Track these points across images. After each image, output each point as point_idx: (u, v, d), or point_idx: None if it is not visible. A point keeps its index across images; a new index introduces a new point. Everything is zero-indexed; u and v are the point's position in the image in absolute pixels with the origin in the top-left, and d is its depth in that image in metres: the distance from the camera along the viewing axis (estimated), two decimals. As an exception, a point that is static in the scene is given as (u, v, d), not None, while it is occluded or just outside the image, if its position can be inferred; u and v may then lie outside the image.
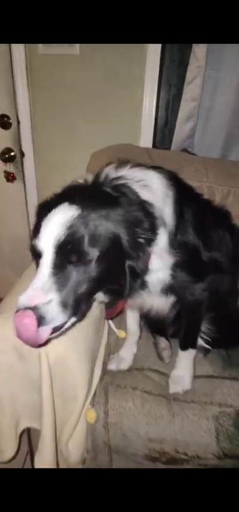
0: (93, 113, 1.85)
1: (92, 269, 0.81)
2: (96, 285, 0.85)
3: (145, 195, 0.90)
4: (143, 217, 0.86)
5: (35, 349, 0.99)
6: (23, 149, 1.99)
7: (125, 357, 1.32)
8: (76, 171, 1.63)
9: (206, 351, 1.30)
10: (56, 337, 0.85)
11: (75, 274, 0.80)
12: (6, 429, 1.11)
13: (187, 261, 1.01)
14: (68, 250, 0.78)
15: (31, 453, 1.48)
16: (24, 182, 2.08)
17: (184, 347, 1.21)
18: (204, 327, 1.21)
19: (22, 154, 2.01)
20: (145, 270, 0.91)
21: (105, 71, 1.73)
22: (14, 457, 1.16)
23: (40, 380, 1.03)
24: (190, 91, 1.58)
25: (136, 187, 0.90)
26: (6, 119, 1.88)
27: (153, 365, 1.30)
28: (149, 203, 0.89)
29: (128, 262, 0.87)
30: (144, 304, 1.16)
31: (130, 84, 1.73)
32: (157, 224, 0.89)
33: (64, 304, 0.79)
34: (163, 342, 1.36)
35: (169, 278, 1.01)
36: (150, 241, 0.89)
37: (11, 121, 1.90)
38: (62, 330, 0.83)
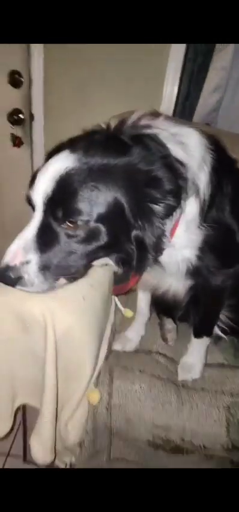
0: (112, 79, 1.72)
1: (83, 233, 0.71)
2: (90, 252, 0.74)
3: (177, 152, 0.75)
4: (163, 175, 0.70)
5: (41, 319, 0.92)
6: (33, 111, 1.87)
7: (132, 337, 1.25)
8: None
9: (217, 338, 1.23)
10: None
11: (63, 235, 0.72)
12: (2, 404, 1.05)
13: (218, 241, 0.88)
14: (55, 207, 0.70)
15: (24, 431, 1.42)
16: (31, 148, 1.97)
17: (198, 334, 1.13)
18: (222, 315, 1.13)
19: (31, 118, 1.89)
20: (157, 245, 0.77)
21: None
22: (8, 434, 1.10)
23: (44, 354, 0.95)
24: (220, 59, 1.46)
25: (168, 142, 0.75)
26: (17, 75, 1.76)
27: (161, 349, 1.23)
28: (182, 162, 0.75)
29: (134, 232, 0.73)
30: (160, 285, 1.08)
31: (153, 49, 1.60)
32: (184, 188, 0.75)
33: (45, 268, 0.73)
34: (169, 324, 1.29)
35: (195, 259, 0.90)
36: (171, 209, 0.74)
37: (22, 79, 1.77)
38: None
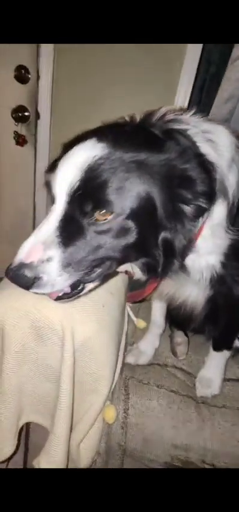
0: (123, 83, 1.68)
1: (113, 227, 0.64)
2: (118, 250, 0.66)
3: (207, 151, 0.70)
4: (197, 176, 0.65)
5: (59, 328, 0.83)
6: (39, 109, 1.80)
7: (146, 350, 1.18)
8: None
9: (237, 351, 1.17)
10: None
11: (90, 231, 0.64)
12: (6, 422, 0.93)
13: None
14: (83, 198, 0.62)
15: (26, 451, 1.31)
16: (35, 148, 1.89)
17: (218, 347, 1.07)
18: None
19: (37, 116, 1.82)
20: (187, 249, 0.72)
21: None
22: (12, 456, 1.00)
23: (58, 367, 0.86)
24: (235, 69, 1.45)
25: (198, 139, 0.70)
26: (23, 71, 1.68)
27: (177, 362, 1.16)
28: (211, 162, 0.69)
29: (163, 234, 0.68)
30: (178, 295, 1.01)
31: (166, 58, 1.57)
32: (215, 190, 0.69)
33: (68, 267, 0.64)
34: (179, 337, 1.23)
35: (219, 266, 0.84)
36: (201, 211, 0.69)
37: (29, 75, 1.70)
38: (75, 296, 0.71)
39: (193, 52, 1.60)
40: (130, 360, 1.15)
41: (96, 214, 0.63)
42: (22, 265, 0.62)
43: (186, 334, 1.23)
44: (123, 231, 0.65)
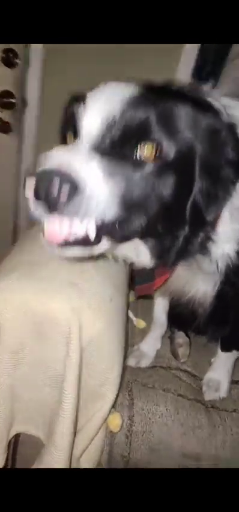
0: (116, 69, 1.61)
1: (154, 170, 0.55)
2: (152, 201, 0.57)
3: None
4: (232, 144, 0.61)
5: (65, 323, 0.73)
6: (27, 97, 1.68)
7: (147, 351, 1.10)
8: None
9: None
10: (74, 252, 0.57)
11: (128, 168, 0.54)
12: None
13: None
14: (125, 130, 0.54)
15: (13, 465, 1.16)
16: (21, 137, 1.75)
17: (227, 348, 1.02)
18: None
19: (24, 104, 1.69)
20: (213, 222, 0.66)
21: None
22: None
23: (60, 368, 0.76)
24: (232, 69, 1.44)
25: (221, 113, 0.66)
26: (11, 54, 1.56)
27: (181, 364, 1.09)
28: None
29: (196, 194, 0.61)
30: (187, 290, 0.95)
31: (163, 57, 1.52)
32: None
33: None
34: (180, 337, 1.16)
35: (235, 255, 0.77)
36: (229, 187, 0.63)
37: (17, 61, 1.58)
38: (86, 248, 0.56)
39: (189, 52, 1.57)
40: (131, 362, 1.06)
41: (139, 150, 0.55)
42: (55, 172, 0.49)
43: (187, 335, 1.17)
44: (164, 178, 0.57)
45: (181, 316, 1.08)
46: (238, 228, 0.74)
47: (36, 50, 1.60)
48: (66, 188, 0.48)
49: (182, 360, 1.11)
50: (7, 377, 0.77)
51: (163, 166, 0.56)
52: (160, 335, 1.13)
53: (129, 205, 0.55)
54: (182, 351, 1.12)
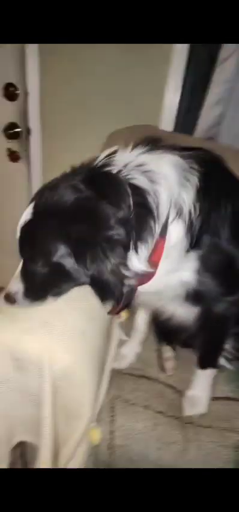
0: (109, 89, 1.66)
1: (44, 271, 0.79)
2: (54, 286, 0.84)
3: (139, 181, 0.73)
4: (104, 211, 0.70)
5: (37, 359, 0.85)
6: (30, 125, 1.81)
7: (127, 354, 1.20)
8: (89, 153, 1.46)
9: (223, 369, 1.16)
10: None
11: (33, 269, 0.81)
12: (-1, 445, 0.98)
13: (217, 267, 0.84)
14: (21, 250, 0.83)
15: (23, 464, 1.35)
16: (29, 162, 1.91)
17: (202, 366, 1.06)
18: (228, 344, 1.06)
19: (28, 132, 1.83)
20: (121, 279, 0.74)
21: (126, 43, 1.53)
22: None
23: (40, 395, 0.89)
24: (223, 71, 1.40)
25: (132, 174, 0.74)
26: (12, 88, 1.70)
27: (168, 378, 1.15)
28: (142, 189, 0.72)
29: (88, 273, 0.75)
30: (163, 310, 1.01)
31: (154, 59, 1.54)
32: (130, 216, 0.71)
33: (29, 294, 0.84)
34: (167, 351, 1.23)
35: (195, 282, 0.84)
36: (118, 242, 0.70)
37: (18, 92, 1.71)
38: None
39: (179, 54, 1.55)
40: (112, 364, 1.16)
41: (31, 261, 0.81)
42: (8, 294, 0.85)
43: (174, 349, 1.23)
44: (55, 275, 0.79)
45: (167, 330, 1.16)
46: (187, 262, 0.81)
47: (33, 79, 1.71)
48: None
49: (168, 374, 1.18)
50: (1, 404, 0.93)
51: (46, 269, 0.80)
52: (139, 340, 1.21)
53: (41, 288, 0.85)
54: (168, 365, 1.19)
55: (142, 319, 1.21)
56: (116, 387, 1.11)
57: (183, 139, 1.43)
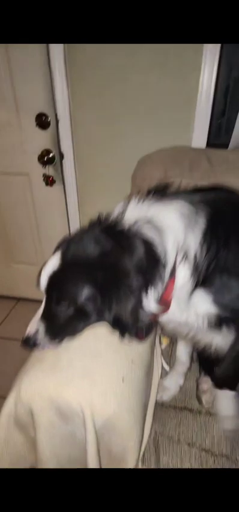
0: (138, 106, 1.62)
1: (72, 310, 0.84)
2: (71, 324, 0.88)
3: (150, 235, 0.80)
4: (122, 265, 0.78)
5: (79, 411, 0.88)
6: (62, 150, 1.84)
7: (169, 386, 1.19)
8: (120, 173, 1.46)
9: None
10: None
11: (59, 311, 0.86)
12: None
13: (231, 304, 0.84)
14: (52, 293, 0.86)
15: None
16: (64, 185, 1.95)
17: (219, 386, 1.05)
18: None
19: (61, 156, 1.87)
20: (137, 319, 0.82)
21: (153, 57, 1.47)
22: None
23: (85, 444, 0.91)
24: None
25: (142, 228, 0.81)
26: (44, 118, 1.74)
27: (211, 409, 1.12)
28: (149, 241, 0.79)
29: (111, 313, 0.81)
30: (199, 339, 1.00)
31: (183, 70, 1.46)
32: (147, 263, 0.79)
33: (50, 333, 0.89)
34: (205, 383, 1.18)
35: (215, 308, 0.84)
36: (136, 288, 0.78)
37: (49, 120, 1.75)
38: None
39: (210, 59, 1.45)
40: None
41: (61, 302, 0.84)
42: (28, 337, 0.90)
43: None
44: (81, 313, 0.85)
45: (208, 360, 1.12)
46: (185, 298, 0.85)
47: (63, 106, 1.72)
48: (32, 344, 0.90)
49: (206, 406, 1.14)
50: (46, 446, 0.96)
51: (76, 307, 0.85)
52: (182, 372, 1.20)
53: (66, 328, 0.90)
54: (205, 398, 1.15)
55: (183, 351, 1.19)
56: (158, 422, 1.11)
57: (218, 155, 1.33)
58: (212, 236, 0.81)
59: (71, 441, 0.96)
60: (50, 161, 1.85)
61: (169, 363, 1.27)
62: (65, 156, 1.85)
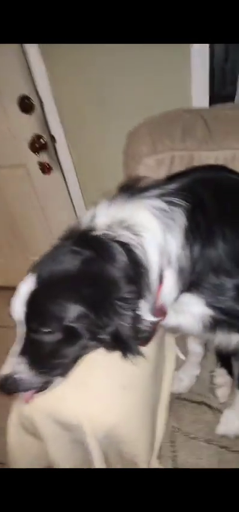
0: (127, 72, 1.42)
1: (56, 338, 0.73)
2: (68, 352, 0.77)
3: (126, 238, 0.71)
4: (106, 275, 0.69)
5: (77, 424, 0.85)
6: (53, 133, 1.71)
7: (184, 378, 1.13)
8: (118, 149, 1.31)
9: None
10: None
11: (41, 339, 0.75)
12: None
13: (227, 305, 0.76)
14: (30, 322, 0.75)
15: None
16: (62, 171, 1.83)
17: None
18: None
19: (53, 140, 1.74)
20: (136, 329, 0.72)
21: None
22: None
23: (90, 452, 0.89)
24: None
25: (116, 232, 0.72)
26: (26, 100, 1.60)
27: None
28: (127, 244, 0.70)
29: (107, 330, 0.72)
30: (208, 339, 0.95)
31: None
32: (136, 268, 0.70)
33: (36, 367, 0.77)
34: (221, 376, 1.11)
35: (209, 310, 0.77)
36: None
37: (33, 102, 1.61)
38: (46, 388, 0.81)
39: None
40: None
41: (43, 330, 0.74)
42: (5, 377, 0.77)
43: (230, 373, 1.10)
44: (66, 339, 0.74)
45: (223, 353, 1.05)
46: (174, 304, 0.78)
47: (44, 86, 1.58)
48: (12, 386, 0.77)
49: (221, 401, 1.07)
50: (58, 454, 0.95)
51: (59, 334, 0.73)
52: (197, 362, 1.14)
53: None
54: (221, 392, 1.08)
55: (193, 342, 1.10)
56: (175, 417, 1.06)
57: (214, 115, 1.11)
58: (193, 234, 0.73)
59: (80, 444, 0.94)
60: (43, 147, 1.73)
61: (184, 352, 1.20)
62: (57, 140, 1.72)
